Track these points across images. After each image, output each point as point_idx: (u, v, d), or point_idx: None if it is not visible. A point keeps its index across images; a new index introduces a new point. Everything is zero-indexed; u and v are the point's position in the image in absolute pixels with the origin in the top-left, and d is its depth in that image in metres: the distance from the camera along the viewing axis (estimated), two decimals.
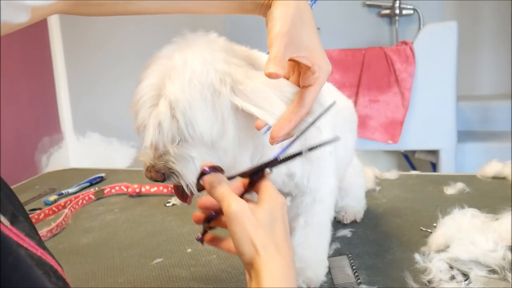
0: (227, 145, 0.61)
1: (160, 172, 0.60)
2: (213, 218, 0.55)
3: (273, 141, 0.57)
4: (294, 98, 0.58)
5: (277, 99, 0.58)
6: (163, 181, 0.61)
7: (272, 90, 0.58)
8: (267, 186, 0.54)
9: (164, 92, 0.59)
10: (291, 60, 0.57)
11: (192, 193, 0.62)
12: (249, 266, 0.49)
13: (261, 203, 0.51)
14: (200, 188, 0.54)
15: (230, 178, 0.55)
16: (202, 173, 0.53)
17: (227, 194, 0.50)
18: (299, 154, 0.55)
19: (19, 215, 0.44)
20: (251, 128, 0.62)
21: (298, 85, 0.60)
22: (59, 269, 0.45)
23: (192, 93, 0.58)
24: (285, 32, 0.55)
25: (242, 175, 0.55)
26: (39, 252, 0.42)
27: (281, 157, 0.55)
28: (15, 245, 0.35)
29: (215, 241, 0.58)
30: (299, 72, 0.60)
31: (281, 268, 0.48)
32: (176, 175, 0.60)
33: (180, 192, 0.63)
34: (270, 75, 0.53)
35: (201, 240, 0.57)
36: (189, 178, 0.60)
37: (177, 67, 0.59)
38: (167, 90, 0.58)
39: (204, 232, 0.57)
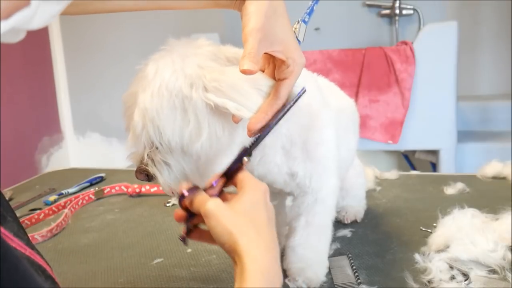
0: (200, 150, 0.62)
1: (143, 174, 0.64)
2: (195, 215, 0.56)
3: (250, 133, 0.59)
4: (269, 91, 0.60)
5: (253, 92, 0.59)
6: (148, 180, 0.65)
7: (248, 83, 0.59)
8: (244, 176, 0.56)
9: (137, 102, 0.62)
10: (265, 54, 0.58)
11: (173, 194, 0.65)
12: (232, 253, 0.50)
13: (240, 193, 0.53)
14: (184, 207, 0.56)
15: (209, 187, 0.56)
16: (183, 195, 0.55)
17: (202, 199, 0.53)
18: (265, 133, 0.59)
19: (7, 215, 0.45)
20: (232, 129, 0.63)
21: (274, 78, 0.61)
22: (48, 268, 0.45)
23: (159, 102, 0.60)
24: (259, 28, 0.56)
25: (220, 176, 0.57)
26: (27, 252, 0.42)
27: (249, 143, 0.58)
28: (3, 240, 0.35)
29: (199, 235, 0.58)
30: (274, 65, 0.61)
31: (262, 250, 0.50)
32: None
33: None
34: (244, 72, 0.55)
35: (184, 239, 0.58)
36: (163, 182, 0.64)
37: (148, 77, 0.62)
38: (139, 100, 0.61)
39: (188, 230, 0.58)
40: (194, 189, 0.55)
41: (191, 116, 0.61)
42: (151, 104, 0.60)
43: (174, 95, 0.60)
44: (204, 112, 0.61)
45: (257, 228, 0.51)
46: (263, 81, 0.60)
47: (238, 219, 0.50)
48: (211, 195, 0.55)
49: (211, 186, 0.56)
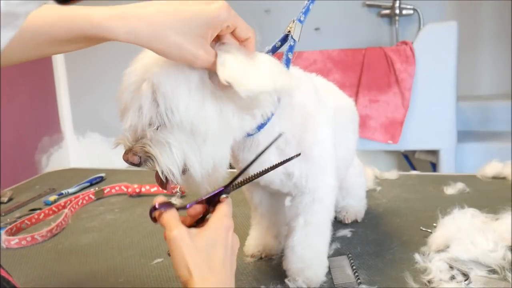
0: (210, 131, 0.60)
1: (137, 156, 0.60)
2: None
3: None
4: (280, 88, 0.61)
5: (267, 81, 0.60)
6: (139, 165, 0.61)
7: (268, 73, 0.60)
8: (218, 209, 0.58)
9: (148, 76, 0.59)
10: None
11: (168, 180, 0.63)
12: (184, 286, 0.53)
13: (205, 228, 0.56)
14: (154, 220, 0.57)
15: (183, 207, 0.58)
16: (154, 208, 0.56)
17: (170, 222, 0.54)
18: (255, 176, 0.61)
19: None
20: (240, 115, 0.62)
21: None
22: (10, 279, 0.44)
23: (175, 76, 0.58)
24: None
25: (199, 202, 0.59)
26: None
27: (236, 182, 0.60)
28: None
29: None
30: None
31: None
32: (152, 160, 0.60)
33: (160, 179, 0.63)
34: None
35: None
36: (163, 163, 0.60)
37: None
38: (151, 74, 0.59)
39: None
40: (167, 204, 0.56)
41: (207, 94, 0.59)
42: (166, 78, 0.58)
43: (192, 70, 0.59)
44: (220, 91, 0.60)
45: (211, 266, 0.53)
46: (280, 77, 0.61)
47: (195, 255, 0.53)
48: (189, 215, 0.57)
49: (185, 207, 0.58)
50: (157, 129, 0.60)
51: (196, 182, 0.63)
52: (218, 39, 0.60)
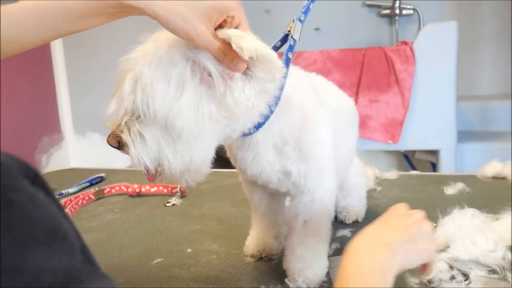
0: (184, 127, 0.60)
1: (115, 140, 0.62)
2: None
3: None
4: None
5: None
6: (118, 148, 0.63)
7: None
8: None
9: (135, 66, 0.60)
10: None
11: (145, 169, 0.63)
12: None
13: None
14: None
15: None
16: None
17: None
18: None
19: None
20: (217, 118, 0.62)
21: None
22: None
23: (157, 70, 0.59)
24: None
25: None
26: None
27: None
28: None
29: None
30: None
31: None
32: (127, 146, 0.62)
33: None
34: None
35: None
36: (134, 153, 0.61)
37: (152, 47, 0.61)
38: (138, 65, 0.60)
39: None
40: None
41: (187, 90, 0.59)
42: (148, 70, 0.59)
43: (173, 66, 0.60)
44: (201, 90, 0.60)
45: None
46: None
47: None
48: None
49: None
50: (137, 119, 0.61)
51: (171, 176, 0.64)
52: (219, 28, 0.61)
